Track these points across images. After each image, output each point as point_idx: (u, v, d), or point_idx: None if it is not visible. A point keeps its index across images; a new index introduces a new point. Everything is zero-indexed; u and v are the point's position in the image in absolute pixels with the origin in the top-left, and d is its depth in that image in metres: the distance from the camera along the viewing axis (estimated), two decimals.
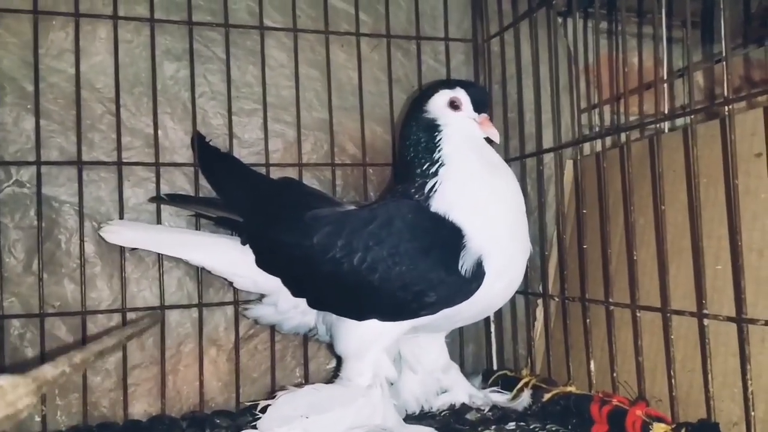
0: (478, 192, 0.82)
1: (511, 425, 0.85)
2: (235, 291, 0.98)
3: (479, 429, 0.84)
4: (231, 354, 0.99)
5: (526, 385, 0.94)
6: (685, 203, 0.81)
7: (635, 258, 0.80)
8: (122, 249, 0.94)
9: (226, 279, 0.94)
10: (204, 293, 0.97)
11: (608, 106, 1.27)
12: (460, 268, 0.78)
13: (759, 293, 0.72)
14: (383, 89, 1.09)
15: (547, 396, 0.88)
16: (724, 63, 0.71)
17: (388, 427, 0.80)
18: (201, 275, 0.96)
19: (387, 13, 1.09)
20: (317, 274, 0.83)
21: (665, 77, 1.12)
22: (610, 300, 0.86)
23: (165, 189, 0.97)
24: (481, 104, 0.87)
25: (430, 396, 0.93)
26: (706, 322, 0.72)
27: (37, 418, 0.90)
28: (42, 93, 0.92)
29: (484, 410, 0.90)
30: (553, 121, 0.97)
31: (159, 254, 0.94)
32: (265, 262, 0.87)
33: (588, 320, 0.89)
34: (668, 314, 0.77)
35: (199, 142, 0.96)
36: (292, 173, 1.02)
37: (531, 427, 0.84)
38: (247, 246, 0.88)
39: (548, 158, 1.03)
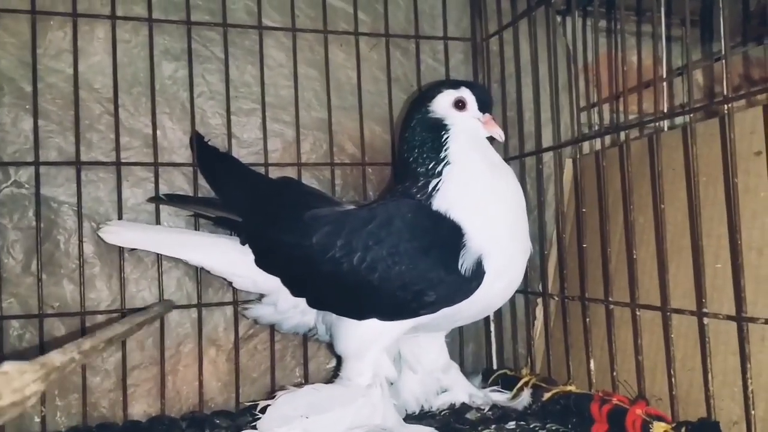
0: (480, 192, 0.82)
1: (511, 424, 0.85)
2: (235, 291, 0.98)
3: (479, 428, 0.84)
4: (230, 354, 0.98)
5: (526, 384, 0.94)
6: (684, 202, 0.81)
7: (635, 257, 0.80)
8: (121, 249, 0.93)
9: (225, 279, 0.93)
10: (203, 293, 0.97)
11: (607, 104, 1.27)
12: (460, 267, 0.78)
13: (759, 292, 0.72)
14: (382, 88, 1.09)
15: (547, 395, 0.88)
16: (724, 61, 0.71)
17: (388, 426, 0.80)
18: (200, 275, 0.96)
19: (386, 12, 1.09)
20: (317, 274, 0.82)
21: (664, 76, 1.13)
22: (610, 299, 0.87)
23: (164, 189, 0.97)
24: (485, 104, 0.88)
25: (430, 395, 0.93)
26: (705, 320, 0.72)
27: (37, 419, 0.89)
28: (40, 93, 0.92)
29: (484, 409, 0.90)
30: (553, 120, 0.97)
31: (158, 254, 0.94)
32: (264, 262, 0.87)
33: (588, 319, 0.89)
34: (668, 313, 0.77)
35: (197, 142, 0.96)
36: (291, 173, 1.02)
37: (531, 426, 0.84)
38: (247, 246, 0.88)
39: (547, 157, 1.03)
